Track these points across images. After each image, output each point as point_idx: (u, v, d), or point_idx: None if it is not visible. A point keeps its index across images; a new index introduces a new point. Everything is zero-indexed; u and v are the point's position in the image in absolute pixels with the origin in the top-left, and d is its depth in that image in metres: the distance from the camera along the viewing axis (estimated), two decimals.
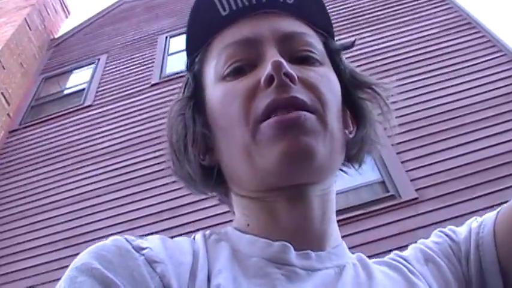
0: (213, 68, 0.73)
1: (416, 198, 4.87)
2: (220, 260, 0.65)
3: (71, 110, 7.71)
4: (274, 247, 0.67)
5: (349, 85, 0.77)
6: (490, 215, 0.76)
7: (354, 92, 0.77)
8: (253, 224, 0.71)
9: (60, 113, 7.69)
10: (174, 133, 0.76)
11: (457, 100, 5.68)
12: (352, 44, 0.83)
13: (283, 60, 0.66)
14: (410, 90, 5.91)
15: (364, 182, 5.22)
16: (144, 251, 0.61)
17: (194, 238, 0.72)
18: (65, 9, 11.19)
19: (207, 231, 0.73)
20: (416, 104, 5.71)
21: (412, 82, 6.02)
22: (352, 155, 0.77)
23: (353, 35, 6.98)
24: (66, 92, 8.53)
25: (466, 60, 6.16)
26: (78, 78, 8.70)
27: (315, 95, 0.68)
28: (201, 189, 0.77)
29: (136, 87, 7.75)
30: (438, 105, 5.67)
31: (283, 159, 0.64)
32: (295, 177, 0.67)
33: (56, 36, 10.30)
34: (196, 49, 0.77)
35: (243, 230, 0.72)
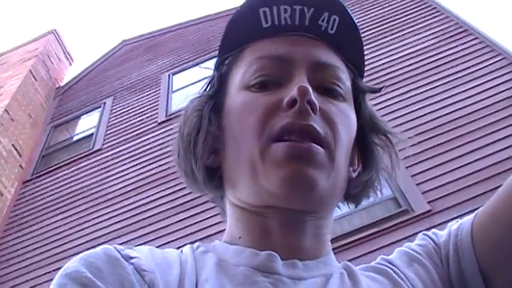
0: (240, 74, 0.74)
1: (429, 211, 4.84)
2: (207, 269, 0.66)
3: (81, 155, 7.78)
4: (261, 256, 0.67)
5: (365, 126, 0.78)
6: (469, 217, 0.76)
7: (368, 134, 0.78)
8: (244, 236, 0.72)
9: (70, 160, 7.76)
10: (187, 126, 0.77)
11: (461, 108, 5.67)
12: (380, 90, 0.85)
13: (309, 87, 0.67)
14: (413, 103, 5.93)
15: (376, 199, 5.15)
16: (133, 260, 0.62)
17: (182, 251, 0.72)
18: (68, 57, 11.35)
19: (195, 244, 0.74)
20: (420, 116, 5.71)
21: (414, 95, 6.04)
22: (352, 195, 0.77)
23: None
24: (75, 138, 8.61)
25: (467, 68, 6.17)
26: (86, 124, 8.80)
27: (331, 130, 0.69)
28: (200, 187, 0.78)
29: (143, 126, 7.81)
30: (442, 116, 5.66)
31: (285, 184, 0.65)
32: (294, 203, 0.68)
33: (62, 84, 10.45)
34: (228, 51, 0.78)
35: (232, 242, 0.72)
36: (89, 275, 0.58)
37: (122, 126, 8.11)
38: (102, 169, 7.31)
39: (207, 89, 0.80)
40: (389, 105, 6.02)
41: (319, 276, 0.68)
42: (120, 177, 6.98)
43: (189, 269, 0.65)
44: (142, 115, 8.14)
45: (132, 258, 0.63)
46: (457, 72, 6.14)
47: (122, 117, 8.39)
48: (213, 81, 0.79)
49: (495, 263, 0.71)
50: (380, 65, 6.72)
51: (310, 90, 0.67)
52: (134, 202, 6.44)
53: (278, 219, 0.70)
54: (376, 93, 0.85)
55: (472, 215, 0.76)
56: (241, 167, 0.70)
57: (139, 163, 7.07)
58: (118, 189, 6.76)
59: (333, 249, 0.76)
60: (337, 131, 0.69)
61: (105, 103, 8.99)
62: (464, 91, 5.87)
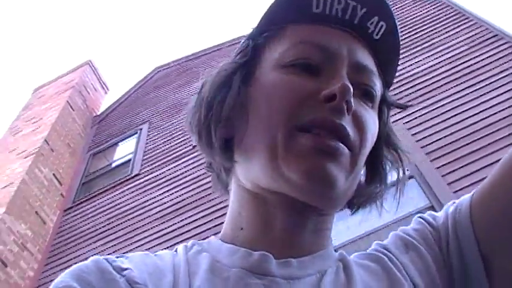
0: (279, 52, 0.72)
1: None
2: (200, 274, 0.65)
3: (120, 181, 7.90)
4: (254, 257, 0.66)
5: (382, 138, 0.77)
6: (466, 197, 0.74)
7: (381, 147, 0.77)
8: (246, 227, 0.71)
9: (110, 186, 7.89)
10: (213, 89, 0.74)
11: (495, 113, 5.58)
12: (406, 107, 0.85)
13: (351, 88, 0.65)
14: (447, 111, 5.86)
15: (413, 209, 5.10)
16: (124, 272, 0.62)
17: (176, 251, 0.72)
18: (104, 86, 11.61)
19: (190, 242, 0.73)
20: (454, 124, 5.64)
21: (446, 104, 5.97)
22: (354, 202, 0.76)
23: None
24: (113, 164, 8.75)
25: (499, 73, 6.07)
26: (124, 150, 8.95)
27: (359, 134, 0.68)
28: (212, 153, 0.74)
29: (179, 150, 7.90)
30: (476, 122, 5.58)
31: (307, 176, 0.64)
32: (309, 197, 0.66)
33: (98, 113, 10.68)
34: (270, 25, 0.75)
35: (227, 239, 0.72)
36: None
37: (158, 151, 8.22)
38: (140, 194, 7.41)
39: (239, 57, 0.77)
40: (424, 113, 5.98)
41: (314, 274, 0.67)
42: (158, 201, 7.06)
43: (182, 276, 0.64)
44: (177, 139, 8.24)
45: (123, 270, 0.62)
46: (489, 78, 6.05)
47: (158, 142, 8.51)
48: (246, 50, 0.76)
49: (495, 244, 0.68)
50: (412, 74, 6.68)
51: (352, 90, 0.66)
52: (172, 225, 6.49)
53: (283, 209, 0.69)
54: (401, 109, 0.84)
55: (468, 195, 0.74)
56: (261, 146, 0.68)
57: (176, 186, 7.14)
58: (156, 213, 6.83)
59: None
60: (365, 137, 0.69)
61: (141, 129, 9.14)
62: (498, 95, 5.78)
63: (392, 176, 0.79)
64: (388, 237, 0.78)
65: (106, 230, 7.02)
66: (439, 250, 0.72)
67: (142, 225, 6.75)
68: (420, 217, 0.78)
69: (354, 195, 0.74)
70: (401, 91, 6.46)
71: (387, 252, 0.74)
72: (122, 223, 6.98)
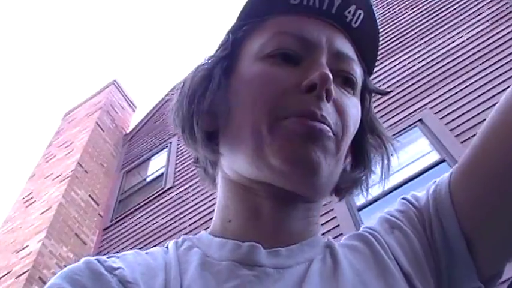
0: (259, 44, 0.73)
1: None
2: (190, 272, 0.65)
3: (155, 195, 7.97)
4: (243, 248, 0.67)
5: (364, 124, 0.78)
6: (445, 177, 0.74)
7: (365, 133, 0.78)
8: (234, 219, 0.72)
9: (145, 201, 7.97)
10: (194, 83, 0.75)
11: None
12: (387, 93, 0.87)
13: (331, 76, 0.66)
14: (472, 91, 5.75)
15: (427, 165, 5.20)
16: (116, 272, 0.62)
17: (167, 247, 0.72)
18: (131, 104, 11.75)
19: (180, 238, 0.74)
20: (482, 103, 5.52)
21: (472, 83, 5.86)
22: (339, 188, 0.76)
23: (405, 51, 6.92)
24: (147, 179, 8.84)
25: None
26: (156, 164, 9.03)
27: (341, 121, 0.69)
28: (197, 147, 0.75)
29: None
30: None
31: (289, 163, 0.65)
32: (292, 184, 0.67)
33: (128, 131, 10.80)
34: (248, 18, 0.76)
35: (216, 233, 0.72)
36: None
37: (189, 162, 8.26)
38: (175, 206, 7.46)
39: (219, 51, 0.77)
40: (451, 96, 5.88)
41: (303, 262, 0.68)
42: (193, 211, 7.10)
43: (173, 275, 0.65)
44: None
45: (115, 269, 0.63)
46: None
47: (188, 153, 8.55)
48: (226, 44, 0.77)
49: (476, 223, 0.69)
50: (436, 57, 6.58)
51: (331, 78, 0.66)
52: None
53: (270, 199, 0.70)
54: (383, 95, 0.86)
55: (447, 175, 0.74)
56: (245, 136, 0.68)
57: (210, 195, 7.16)
58: (192, 223, 6.87)
59: None
60: (347, 124, 0.69)
61: (171, 143, 9.20)
62: None
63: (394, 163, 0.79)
64: (375, 220, 0.78)
65: (146, 245, 7.07)
66: (423, 231, 0.72)
67: (180, 237, 6.77)
68: (403, 198, 0.78)
69: (339, 182, 0.74)
70: (425, 76, 6.36)
71: (373, 232, 0.74)
72: (159, 237, 7.03)
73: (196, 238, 0.73)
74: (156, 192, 8.04)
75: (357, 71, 0.74)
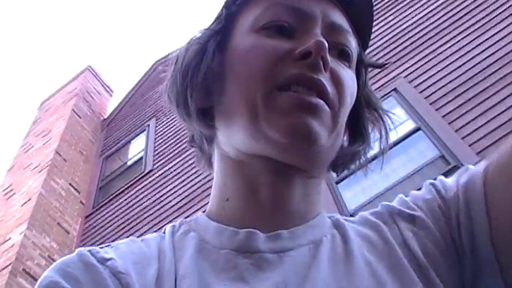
0: (253, 17, 0.72)
1: (479, 162, 4.67)
2: (186, 259, 0.64)
3: (135, 179, 7.95)
4: (241, 235, 0.65)
5: (361, 98, 0.76)
6: (476, 172, 0.69)
7: (362, 107, 0.77)
8: (232, 198, 0.70)
9: (126, 186, 7.96)
10: (187, 57, 0.74)
11: (497, 50, 5.48)
12: (382, 66, 0.85)
13: (326, 44, 0.65)
14: (445, 58, 5.78)
15: (425, 161, 5.11)
16: (108, 263, 0.62)
17: (164, 232, 0.71)
18: (107, 89, 11.63)
19: (177, 222, 0.73)
20: (455, 69, 5.56)
21: (444, 51, 5.88)
22: (337, 163, 0.76)
23: (376, 22, 6.90)
24: (128, 163, 8.80)
25: (496, 9, 5.94)
26: (136, 148, 9.00)
27: (338, 93, 0.68)
28: (192, 122, 0.74)
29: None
30: (479, 63, 5.49)
31: (289, 133, 0.64)
32: (291, 155, 0.66)
33: (106, 117, 10.71)
34: None
35: (213, 215, 0.71)
36: (67, 285, 0.58)
37: (168, 144, 8.25)
38: (156, 188, 7.46)
39: (213, 25, 0.76)
40: (423, 64, 5.91)
41: (308, 244, 0.65)
42: (173, 193, 7.10)
43: (167, 263, 0.64)
44: (184, 130, 8.22)
45: (107, 260, 0.62)
46: (486, 16, 5.93)
47: (166, 135, 8.52)
48: (220, 17, 0.76)
49: (508, 234, 0.62)
50: (406, 27, 6.58)
51: (327, 46, 0.65)
52: (190, 215, 6.52)
53: (268, 175, 0.68)
54: (378, 68, 0.84)
55: (479, 170, 0.68)
56: (241, 109, 0.67)
57: (190, 176, 7.16)
58: (174, 205, 6.88)
59: None
60: (344, 95, 0.68)
61: (149, 125, 9.16)
62: (495, 34, 5.66)
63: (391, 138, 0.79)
64: (396, 200, 0.74)
65: (128, 230, 7.08)
66: (446, 225, 0.67)
67: (162, 220, 6.80)
68: (431, 184, 0.72)
69: (338, 157, 0.73)
70: (398, 45, 6.37)
71: (389, 218, 0.71)
72: (141, 220, 7.04)
73: (194, 221, 0.72)
74: (136, 177, 8.01)
75: (352, 44, 0.73)
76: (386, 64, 0.83)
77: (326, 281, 0.61)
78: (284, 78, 0.65)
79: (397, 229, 0.69)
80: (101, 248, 0.65)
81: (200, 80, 0.72)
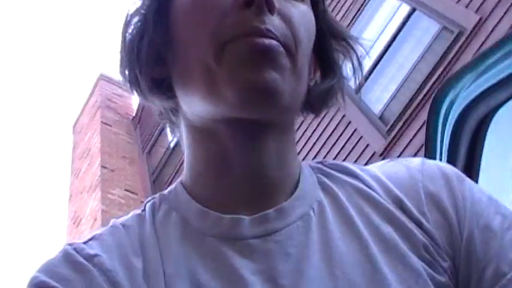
0: None
1: (480, 19, 4.59)
2: (172, 251, 0.62)
3: (183, 160, 8.00)
4: (225, 222, 0.64)
5: (324, 31, 0.72)
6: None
7: (327, 40, 0.73)
8: (204, 172, 0.68)
9: (176, 170, 8.07)
10: (129, 31, 0.71)
11: None
12: None
13: None
14: None
15: (431, 38, 5.06)
16: (95, 260, 0.60)
17: (144, 209, 0.69)
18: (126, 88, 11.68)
19: (157, 197, 0.71)
20: None
21: None
22: (312, 104, 0.72)
23: None
24: (171, 146, 8.82)
25: None
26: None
27: (291, 32, 0.64)
28: (148, 98, 0.71)
29: None
30: None
31: (246, 89, 0.60)
32: (255, 110, 0.62)
33: (134, 115, 10.79)
34: None
35: (192, 190, 0.68)
36: (57, 285, 0.57)
37: None
38: None
39: None
40: None
41: (296, 221, 0.64)
42: None
43: (152, 256, 0.62)
44: None
45: (93, 257, 0.61)
46: None
47: None
48: None
49: None
50: None
51: None
52: None
53: (237, 139, 0.65)
54: None
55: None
56: (194, 72, 0.64)
57: None
58: None
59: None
60: (299, 34, 0.64)
61: None
62: None
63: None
64: (427, 165, 0.72)
65: None
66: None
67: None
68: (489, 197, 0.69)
69: (311, 97, 0.70)
70: None
71: (418, 190, 0.68)
72: None
73: (173, 197, 0.69)
74: (182, 157, 8.06)
75: None
76: None
77: (316, 268, 0.60)
78: (231, 30, 0.61)
79: (416, 213, 0.66)
80: (85, 242, 0.63)
81: (145, 53, 0.68)
